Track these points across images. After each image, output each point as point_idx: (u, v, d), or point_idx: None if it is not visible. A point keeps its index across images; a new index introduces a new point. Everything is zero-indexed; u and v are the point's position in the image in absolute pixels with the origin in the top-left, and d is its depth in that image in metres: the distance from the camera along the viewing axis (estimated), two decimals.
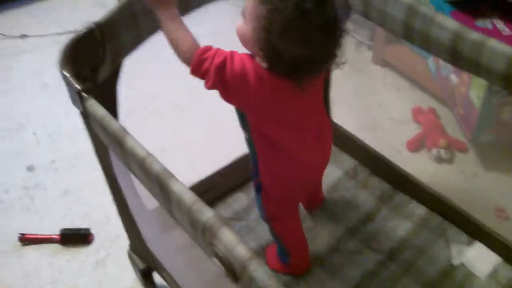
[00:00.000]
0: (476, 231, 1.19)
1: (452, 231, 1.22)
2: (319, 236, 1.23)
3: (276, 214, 1.08)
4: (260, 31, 0.78)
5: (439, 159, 1.59)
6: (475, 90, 1.48)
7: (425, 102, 1.81)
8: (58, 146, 1.70)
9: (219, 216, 0.62)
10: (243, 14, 0.84)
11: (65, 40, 0.87)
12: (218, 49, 0.84)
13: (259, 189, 1.04)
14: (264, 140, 0.94)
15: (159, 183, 0.68)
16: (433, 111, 1.75)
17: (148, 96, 1.91)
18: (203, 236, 0.63)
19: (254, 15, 0.79)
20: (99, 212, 1.46)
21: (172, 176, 0.67)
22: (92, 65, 0.88)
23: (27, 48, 2.16)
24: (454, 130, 1.66)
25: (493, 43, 0.92)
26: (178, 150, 1.67)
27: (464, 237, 1.20)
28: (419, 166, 1.59)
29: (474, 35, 0.93)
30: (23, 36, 2.19)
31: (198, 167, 1.37)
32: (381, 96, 1.86)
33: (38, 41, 2.17)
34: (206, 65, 0.83)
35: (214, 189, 1.28)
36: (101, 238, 1.42)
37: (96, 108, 0.78)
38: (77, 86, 0.80)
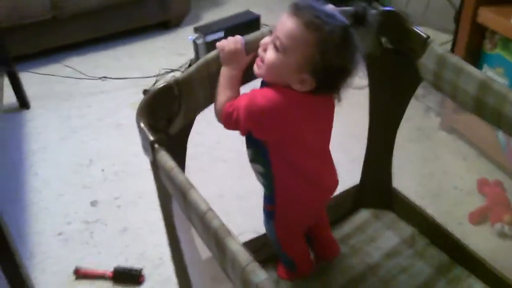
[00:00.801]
0: None
1: None
2: None
3: (288, 238, 1.15)
4: (314, 55, 0.87)
5: (503, 235, 1.53)
6: None
7: (492, 174, 1.75)
8: (123, 184, 1.78)
9: (271, 279, 0.63)
10: (278, 48, 0.89)
11: (142, 83, 0.94)
12: (239, 96, 0.94)
13: (272, 216, 1.10)
14: (287, 166, 1.01)
15: (215, 239, 0.70)
16: (499, 184, 1.69)
17: (214, 143, 1.98)
18: None
19: (304, 44, 0.87)
20: (154, 253, 1.50)
21: (229, 233, 0.70)
22: (167, 117, 0.94)
23: (106, 89, 2.30)
24: None
25: None
26: (236, 197, 1.70)
27: None
28: (481, 240, 1.52)
29: (498, 86, 0.92)
30: (103, 78, 2.34)
31: (253, 217, 1.39)
32: (447, 164, 1.82)
33: (117, 83, 2.30)
34: (234, 115, 0.92)
35: (268, 245, 1.28)
36: (153, 280, 1.45)
37: (166, 160, 0.82)
38: (150, 137, 0.85)
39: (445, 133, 1.95)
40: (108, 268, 1.46)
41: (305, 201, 1.08)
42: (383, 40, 1.15)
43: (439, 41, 2.29)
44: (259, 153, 1.01)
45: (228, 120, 0.94)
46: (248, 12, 2.47)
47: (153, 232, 1.57)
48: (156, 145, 0.84)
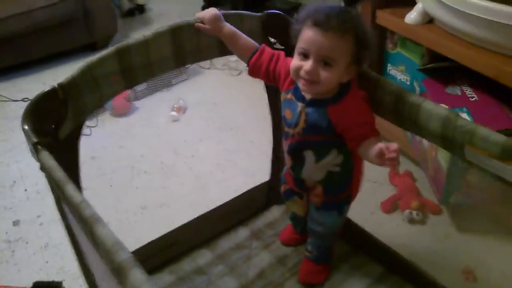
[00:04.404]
0: None
1: None
2: None
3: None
4: (355, 48, 0.96)
5: (412, 221, 1.62)
6: (442, 153, 1.53)
7: (403, 165, 1.85)
8: (46, 202, 1.78)
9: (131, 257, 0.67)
10: (330, 63, 0.95)
11: None
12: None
13: (347, 201, 1.20)
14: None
15: (87, 227, 0.74)
16: (409, 174, 1.79)
17: (137, 156, 2.01)
18: (118, 275, 0.68)
19: (347, 46, 0.95)
20: (74, 266, 1.50)
21: (98, 220, 0.73)
22: (54, 121, 0.96)
23: None
24: (429, 193, 1.69)
25: (429, 105, 0.97)
26: (160, 207, 1.73)
27: None
28: (392, 227, 1.61)
29: (412, 97, 1.00)
30: (25, 99, 2.34)
31: (176, 224, 1.42)
32: None
33: None
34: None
35: (178, 243, 1.32)
36: None
37: (47, 159, 0.85)
38: (33, 138, 0.87)
39: None
40: (28, 284, 1.45)
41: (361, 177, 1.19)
42: (273, 40, 1.23)
43: None
44: (342, 149, 1.07)
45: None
46: None
47: None
48: (39, 147, 0.87)
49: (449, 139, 0.94)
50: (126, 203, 1.75)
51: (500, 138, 0.87)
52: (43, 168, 0.89)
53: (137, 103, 2.38)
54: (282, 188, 1.30)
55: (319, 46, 0.94)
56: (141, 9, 3.49)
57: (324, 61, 0.95)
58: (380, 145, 0.93)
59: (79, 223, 0.79)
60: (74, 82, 0.97)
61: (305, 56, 0.97)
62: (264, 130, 1.48)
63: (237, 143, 2.08)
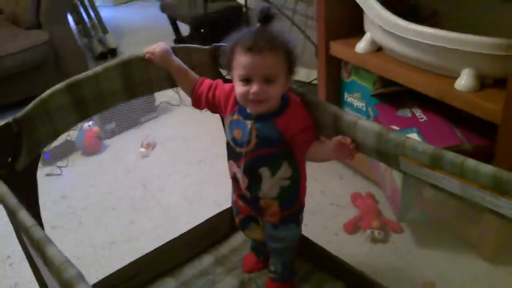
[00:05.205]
0: None
1: None
2: None
3: None
4: (288, 59, 1.05)
5: (374, 239, 1.66)
6: (397, 172, 1.59)
7: (366, 188, 1.91)
8: (15, 242, 1.78)
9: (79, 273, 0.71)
10: (272, 80, 1.03)
11: None
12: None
13: (300, 211, 1.25)
14: (303, 161, 1.17)
15: (38, 249, 0.77)
16: (371, 196, 1.85)
17: (107, 193, 2.04)
18: None
19: (282, 60, 1.04)
20: None
21: (48, 242, 0.77)
22: (10, 154, 1.01)
23: None
24: (390, 213, 1.75)
25: (364, 123, 1.04)
26: (127, 241, 1.75)
27: None
28: (355, 247, 1.66)
29: (349, 117, 1.06)
30: None
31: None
32: (324, 184, 1.97)
33: None
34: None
35: (141, 274, 1.35)
36: None
37: (1, 187, 0.89)
38: None
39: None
40: None
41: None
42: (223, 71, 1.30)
43: (312, 77, 2.51)
44: (291, 161, 1.14)
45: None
46: None
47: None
48: None
49: (383, 152, 1.01)
50: (95, 239, 1.77)
51: (428, 147, 0.93)
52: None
53: (107, 142, 2.43)
54: (237, 220, 1.33)
55: (258, 68, 1.01)
56: (112, 52, 3.58)
57: (267, 79, 1.03)
58: (338, 137, 1.03)
59: (32, 247, 0.83)
60: (28, 115, 1.02)
61: (247, 81, 1.04)
62: None
63: (205, 176, 2.12)
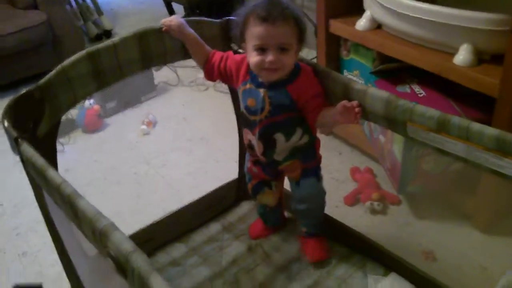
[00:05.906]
0: (391, 263, 1.30)
1: (371, 264, 1.33)
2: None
3: None
4: (301, 30, 1.10)
5: (373, 211, 1.72)
6: (397, 144, 1.65)
7: (365, 163, 1.97)
8: (21, 214, 1.83)
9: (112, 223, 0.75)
10: (287, 48, 1.08)
11: None
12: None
13: (319, 167, 1.33)
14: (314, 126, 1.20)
15: (69, 204, 0.81)
16: (369, 170, 1.91)
17: (110, 168, 2.07)
18: (100, 240, 0.75)
19: (294, 29, 1.08)
20: (52, 271, 1.56)
21: (79, 196, 0.81)
22: (32, 120, 1.04)
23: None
24: (388, 186, 1.81)
25: (373, 90, 1.08)
26: (134, 213, 1.79)
27: (381, 269, 1.31)
28: (356, 218, 1.72)
29: (358, 86, 1.11)
30: None
31: None
32: (323, 159, 2.01)
33: None
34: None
35: (154, 239, 1.39)
36: None
37: (28, 149, 0.93)
38: (14, 133, 0.95)
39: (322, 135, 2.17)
40: None
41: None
42: (233, 45, 1.33)
43: (311, 56, 2.55)
44: (304, 126, 1.19)
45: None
46: None
47: (52, 252, 1.61)
48: (20, 140, 0.95)
49: (392, 118, 1.05)
50: (102, 211, 1.80)
51: (435, 112, 0.98)
52: (23, 160, 0.96)
53: (108, 120, 2.45)
54: (249, 186, 1.38)
55: (273, 37, 1.06)
56: (108, 34, 3.58)
57: (281, 48, 1.08)
58: (343, 102, 1.06)
59: (61, 204, 0.87)
60: (50, 82, 1.05)
61: (262, 50, 1.08)
62: (232, 139, 1.58)
63: (208, 152, 2.16)
